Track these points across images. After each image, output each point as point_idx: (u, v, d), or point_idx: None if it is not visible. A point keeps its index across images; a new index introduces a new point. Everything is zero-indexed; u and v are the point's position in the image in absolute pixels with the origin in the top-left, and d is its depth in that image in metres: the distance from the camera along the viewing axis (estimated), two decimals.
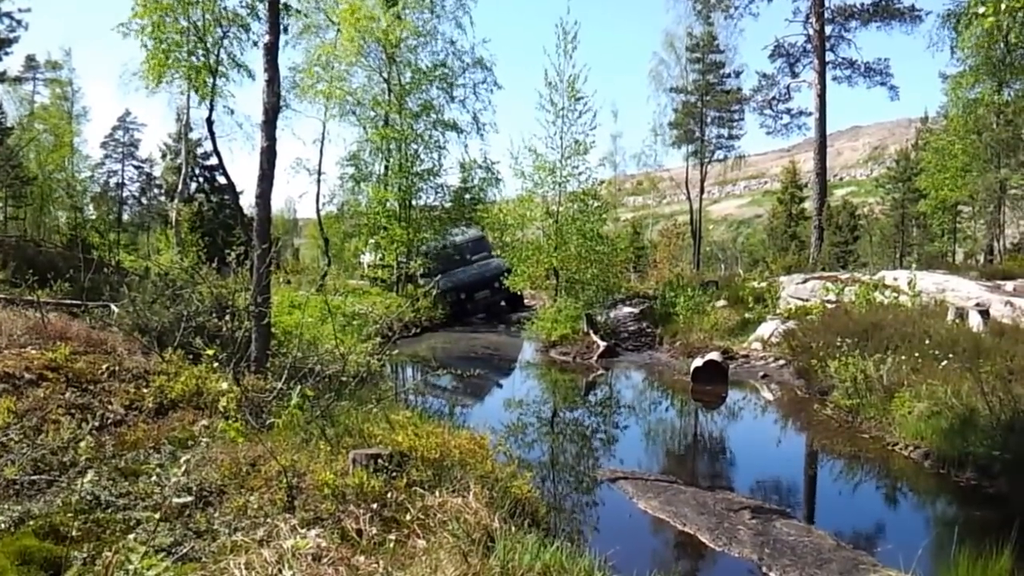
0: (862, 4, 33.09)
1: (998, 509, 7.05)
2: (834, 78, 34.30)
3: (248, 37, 14.88)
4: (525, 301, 28.62)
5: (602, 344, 17.62)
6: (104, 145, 56.58)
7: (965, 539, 5.71)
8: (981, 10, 7.96)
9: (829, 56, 33.76)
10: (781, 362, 14.97)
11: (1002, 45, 21.55)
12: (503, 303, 27.60)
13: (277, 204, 64.89)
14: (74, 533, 4.47)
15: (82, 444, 5.70)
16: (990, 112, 25.76)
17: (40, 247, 19.23)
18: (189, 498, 5.08)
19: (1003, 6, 7.57)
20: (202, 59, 14.21)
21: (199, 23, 14.22)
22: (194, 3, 14.24)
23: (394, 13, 26.66)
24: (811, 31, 33.67)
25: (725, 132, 39.85)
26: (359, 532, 4.93)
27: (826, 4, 33.25)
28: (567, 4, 36.01)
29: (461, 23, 29.77)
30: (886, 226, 38.24)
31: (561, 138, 21.75)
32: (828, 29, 33.58)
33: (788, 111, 36.78)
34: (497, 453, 7.15)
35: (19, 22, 34.05)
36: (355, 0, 26.43)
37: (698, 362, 14.10)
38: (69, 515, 4.69)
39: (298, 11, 14.60)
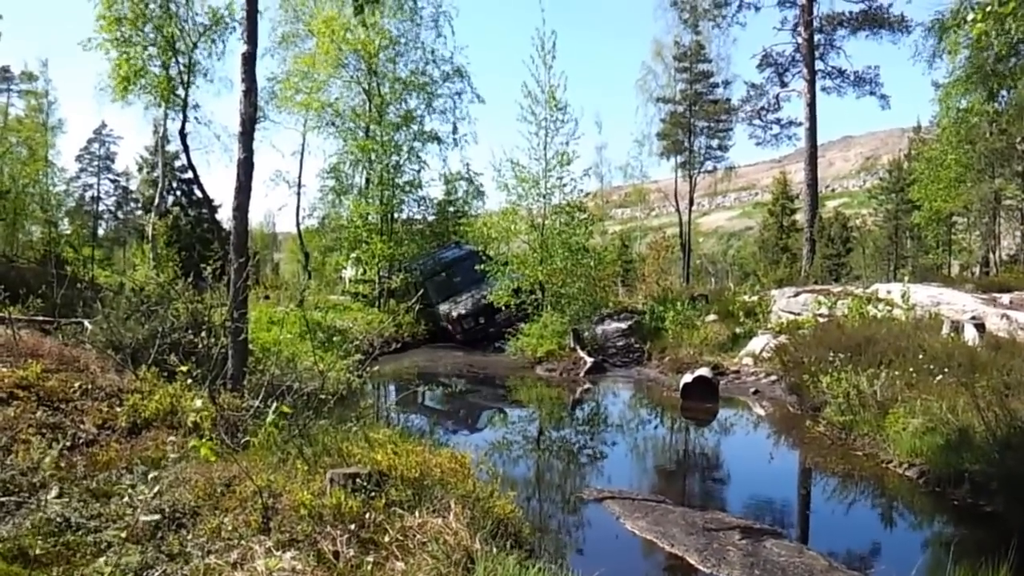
0: (851, 13, 33.27)
1: (995, 528, 6.89)
2: (823, 88, 34.39)
3: (215, 48, 14.76)
4: None
5: (589, 360, 17.46)
6: (79, 158, 56.75)
7: (961, 559, 5.56)
8: (971, 16, 7.89)
9: (818, 65, 33.86)
10: (773, 378, 14.80)
11: (992, 53, 21.49)
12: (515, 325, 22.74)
13: (256, 217, 64.93)
14: (43, 555, 4.39)
15: (46, 460, 5.56)
16: (983, 121, 25.58)
17: (12, 263, 19.04)
18: (156, 516, 4.95)
19: (989, 8, 7.51)
20: (165, 71, 14.09)
21: (167, 34, 14.08)
22: (156, 18, 14.10)
23: (371, 24, 26.53)
24: (800, 40, 33.70)
25: (714, 143, 40.07)
26: (336, 554, 4.81)
27: (815, 13, 33.28)
28: (543, 15, 36.08)
29: (442, 31, 29.93)
30: (879, 238, 38.21)
31: (544, 149, 21.60)
32: (817, 38, 33.68)
33: (778, 121, 36.92)
34: (480, 472, 6.99)
35: None
36: (332, 11, 26.36)
37: (688, 378, 13.94)
38: (38, 537, 4.57)
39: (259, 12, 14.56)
